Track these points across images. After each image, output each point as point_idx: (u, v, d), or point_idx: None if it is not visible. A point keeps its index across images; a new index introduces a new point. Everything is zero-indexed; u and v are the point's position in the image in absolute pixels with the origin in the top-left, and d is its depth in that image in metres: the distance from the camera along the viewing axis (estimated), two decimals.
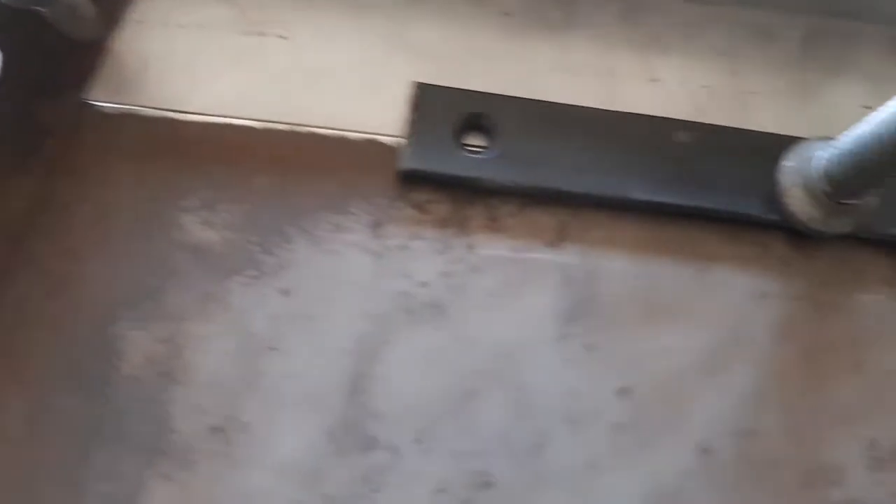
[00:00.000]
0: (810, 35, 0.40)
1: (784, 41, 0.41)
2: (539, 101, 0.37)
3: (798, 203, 0.35)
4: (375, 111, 0.37)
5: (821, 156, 0.34)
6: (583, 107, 0.37)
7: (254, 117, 0.37)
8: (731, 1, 0.39)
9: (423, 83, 0.37)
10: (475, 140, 0.37)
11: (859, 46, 0.40)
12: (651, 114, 0.38)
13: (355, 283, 0.35)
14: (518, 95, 0.37)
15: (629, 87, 0.39)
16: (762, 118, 0.39)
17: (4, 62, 0.34)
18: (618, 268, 0.36)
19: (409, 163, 0.36)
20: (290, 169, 0.37)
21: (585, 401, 0.35)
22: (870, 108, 0.38)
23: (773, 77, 0.40)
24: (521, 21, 0.40)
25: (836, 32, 0.40)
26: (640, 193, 0.36)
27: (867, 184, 0.33)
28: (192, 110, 0.38)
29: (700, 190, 0.36)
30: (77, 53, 0.38)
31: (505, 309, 0.36)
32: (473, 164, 0.36)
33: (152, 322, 0.34)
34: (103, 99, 0.38)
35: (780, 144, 0.37)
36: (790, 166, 0.36)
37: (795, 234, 0.37)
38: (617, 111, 0.37)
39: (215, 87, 0.38)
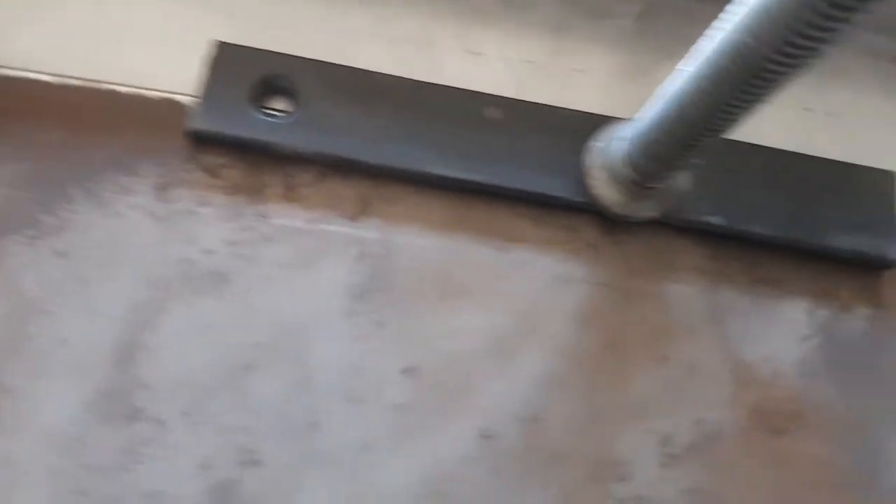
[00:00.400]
0: (645, 13, 0.39)
1: (618, 18, 0.39)
2: (346, 66, 0.36)
3: (602, 186, 0.34)
4: (175, 69, 0.36)
5: (623, 136, 0.33)
6: (391, 76, 0.36)
7: (49, 71, 0.36)
8: None
9: (222, 42, 0.36)
10: (278, 104, 0.36)
11: (693, 25, 0.38)
12: (469, 88, 0.36)
13: (136, 248, 0.34)
14: (330, 61, 0.36)
15: (448, 60, 0.38)
16: (587, 97, 0.38)
17: None
18: (417, 244, 0.35)
19: (199, 123, 0.34)
20: (82, 126, 0.36)
21: (368, 379, 0.34)
22: None
23: (602, 55, 0.39)
24: None
25: (672, 10, 0.39)
26: (443, 169, 0.35)
27: (663, 166, 0.32)
28: None
29: (508, 169, 0.35)
30: None
31: (295, 282, 0.35)
32: (270, 129, 0.35)
33: None
34: None
35: (596, 124, 0.36)
36: (597, 147, 0.35)
37: (607, 219, 0.36)
38: (426, 82, 0.36)
39: (12, 40, 0.37)
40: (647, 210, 0.34)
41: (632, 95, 0.36)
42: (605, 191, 0.34)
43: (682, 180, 0.34)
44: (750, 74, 0.23)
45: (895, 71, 0.40)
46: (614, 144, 0.33)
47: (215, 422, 0.33)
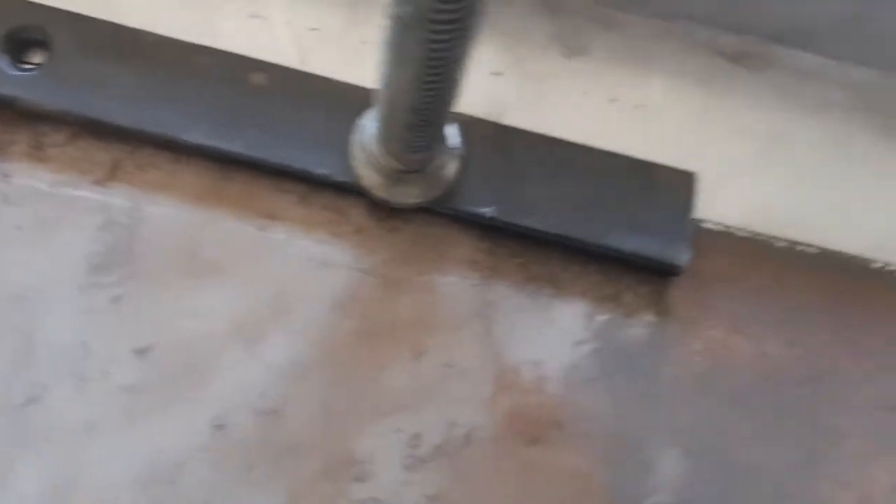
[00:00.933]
0: None
1: None
2: (108, 22, 0.34)
3: (362, 167, 0.32)
4: None
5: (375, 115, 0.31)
6: (155, 34, 0.34)
7: None
8: None
9: None
10: (30, 57, 0.34)
11: (500, 6, 0.37)
12: (245, 54, 0.35)
13: None
14: (93, 16, 0.34)
15: (228, 23, 0.36)
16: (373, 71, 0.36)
17: None
18: (167, 215, 0.34)
19: None
20: None
21: (98, 357, 0.32)
22: (500, 74, 0.35)
23: None
24: None
25: None
26: (201, 137, 0.33)
27: (404, 147, 0.30)
28: None
29: (273, 141, 0.33)
30: None
31: (30, 248, 0.33)
32: (17, 82, 0.33)
33: None
34: None
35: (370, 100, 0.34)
36: (363, 126, 0.33)
37: (378, 204, 0.34)
38: (192, 44, 0.34)
39: None
40: (410, 196, 0.33)
41: None
42: (365, 172, 0.32)
43: (449, 168, 0.33)
44: (418, 44, 0.21)
45: (718, 65, 0.38)
46: (370, 123, 0.31)
47: None
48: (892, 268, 0.38)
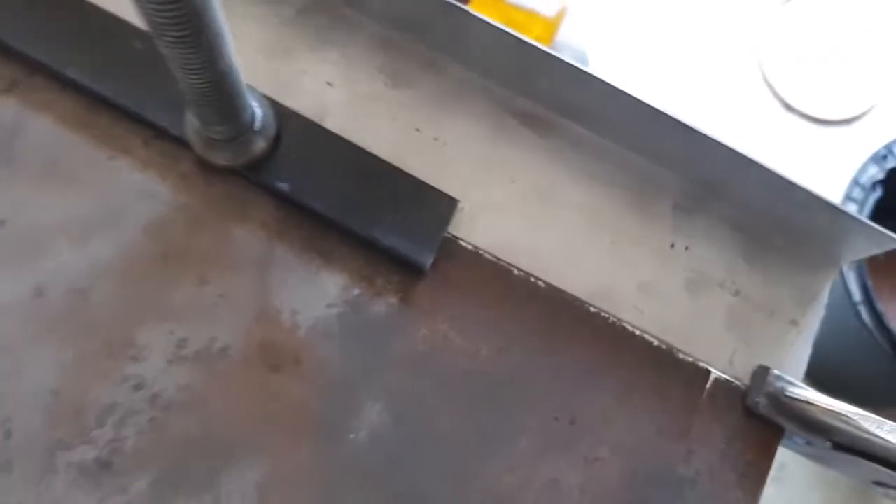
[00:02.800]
0: (306, 8, 0.50)
1: (283, 6, 0.50)
2: None
3: (188, 127, 0.45)
4: None
5: None
6: (92, 4, 0.47)
7: None
8: None
9: None
10: None
11: (345, 31, 0.49)
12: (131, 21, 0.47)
13: None
14: None
15: None
16: None
17: None
18: (43, 129, 0.46)
19: None
20: None
21: None
22: (332, 85, 0.48)
23: (257, 32, 0.50)
24: None
25: (329, 13, 0.50)
26: (78, 75, 0.46)
27: (199, 118, 0.42)
28: None
29: (133, 92, 0.46)
30: None
31: None
32: None
33: None
34: None
35: None
36: None
37: (201, 160, 0.47)
38: (91, 3, 0.47)
39: None
40: (219, 159, 0.45)
41: (266, 71, 0.47)
42: (189, 132, 0.45)
43: (257, 144, 0.45)
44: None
45: (508, 120, 0.51)
46: None
47: None
48: (604, 314, 0.50)
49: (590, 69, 0.48)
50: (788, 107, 2.14)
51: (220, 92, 0.39)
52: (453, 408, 0.48)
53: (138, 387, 0.45)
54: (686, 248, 0.51)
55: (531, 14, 0.75)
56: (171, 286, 0.46)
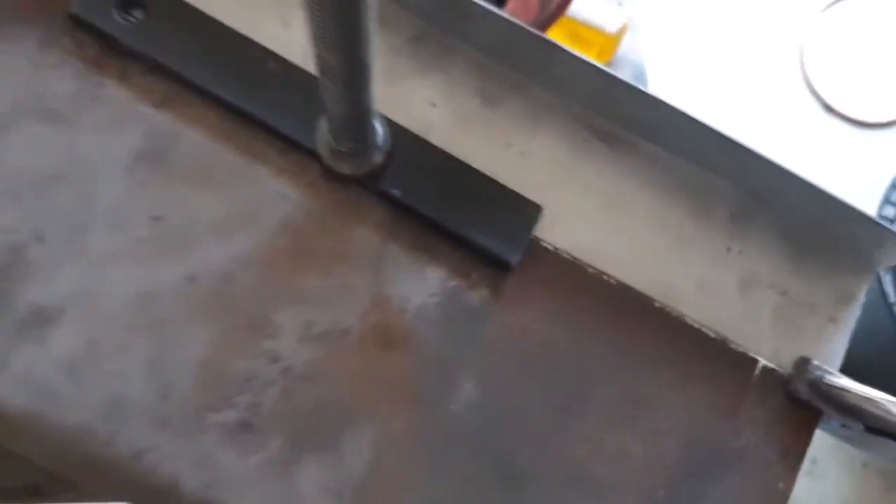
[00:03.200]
0: (415, 37, 0.59)
1: (394, 35, 0.59)
2: (193, 7, 0.56)
3: (319, 140, 0.54)
4: None
5: None
6: (224, 25, 0.56)
7: None
8: None
9: None
10: (133, 13, 0.56)
11: (446, 57, 0.58)
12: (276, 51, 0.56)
13: (9, 78, 0.55)
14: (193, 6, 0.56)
15: (267, 25, 0.58)
16: None
17: None
18: (194, 139, 0.56)
19: (75, 9, 0.55)
20: None
21: (128, 215, 0.54)
22: (435, 105, 0.57)
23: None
24: None
25: (433, 41, 0.59)
26: (227, 94, 0.55)
27: (333, 134, 0.51)
28: None
29: (272, 109, 0.55)
30: None
31: (103, 135, 0.55)
32: (119, 27, 0.55)
33: None
34: None
35: None
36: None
37: (328, 169, 0.56)
38: (241, 34, 0.56)
39: None
40: (344, 169, 0.54)
41: (382, 93, 0.56)
42: (320, 144, 0.54)
43: (377, 157, 0.54)
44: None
45: (587, 137, 0.59)
46: None
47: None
48: (667, 309, 0.59)
49: (653, 91, 0.57)
50: (829, 109, 2.19)
51: (359, 117, 0.48)
52: (534, 386, 0.57)
53: (273, 360, 0.54)
54: (740, 252, 0.60)
55: (595, 30, 0.83)
56: (300, 276, 0.55)
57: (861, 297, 0.60)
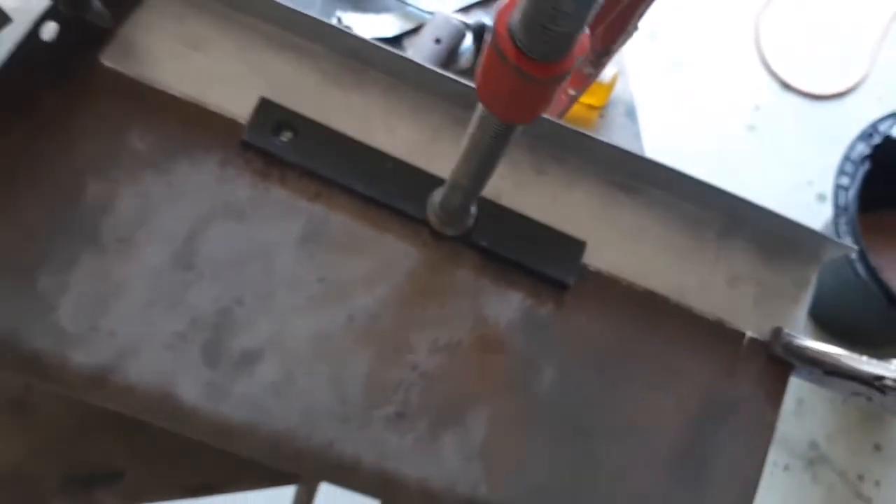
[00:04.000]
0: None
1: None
2: (337, 132, 0.80)
3: (431, 210, 0.79)
4: (242, 105, 0.80)
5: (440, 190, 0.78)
6: (356, 141, 0.81)
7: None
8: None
9: (263, 97, 0.80)
10: (284, 134, 0.81)
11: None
12: (390, 153, 0.81)
13: (198, 191, 0.79)
14: (321, 121, 0.81)
15: (379, 133, 0.82)
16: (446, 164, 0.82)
17: None
18: (342, 221, 0.81)
19: (247, 136, 0.79)
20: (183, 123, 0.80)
21: (301, 278, 0.79)
22: (503, 177, 0.83)
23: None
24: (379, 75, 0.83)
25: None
26: (364, 188, 0.80)
27: (448, 208, 0.77)
28: None
29: (394, 192, 0.80)
30: None
31: (272, 224, 0.80)
32: (277, 146, 0.80)
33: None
34: None
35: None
36: (434, 194, 0.80)
37: (435, 232, 0.81)
38: (365, 144, 0.81)
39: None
40: (448, 231, 0.80)
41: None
42: (430, 214, 0.79)
43: (469, 219, 0.80)
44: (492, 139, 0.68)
45: (613, 191, 0.85)
46: (437, 193, 0.78)
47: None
48: (681, 304, 0.85)
49: (649, 155, 0.83)
50: (787, 86, 2.48)
51: (468, 206, 0.73)
52: (595, 371, 0.83)
53: (414, 368, 0.80)
54: (726, 259, 0.86)
55: (595, 83, 1.08)
56: (425, 308, 0.81)
57: (814, 282, 0.87)
